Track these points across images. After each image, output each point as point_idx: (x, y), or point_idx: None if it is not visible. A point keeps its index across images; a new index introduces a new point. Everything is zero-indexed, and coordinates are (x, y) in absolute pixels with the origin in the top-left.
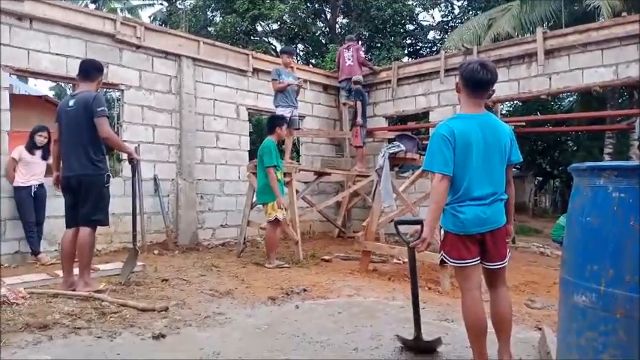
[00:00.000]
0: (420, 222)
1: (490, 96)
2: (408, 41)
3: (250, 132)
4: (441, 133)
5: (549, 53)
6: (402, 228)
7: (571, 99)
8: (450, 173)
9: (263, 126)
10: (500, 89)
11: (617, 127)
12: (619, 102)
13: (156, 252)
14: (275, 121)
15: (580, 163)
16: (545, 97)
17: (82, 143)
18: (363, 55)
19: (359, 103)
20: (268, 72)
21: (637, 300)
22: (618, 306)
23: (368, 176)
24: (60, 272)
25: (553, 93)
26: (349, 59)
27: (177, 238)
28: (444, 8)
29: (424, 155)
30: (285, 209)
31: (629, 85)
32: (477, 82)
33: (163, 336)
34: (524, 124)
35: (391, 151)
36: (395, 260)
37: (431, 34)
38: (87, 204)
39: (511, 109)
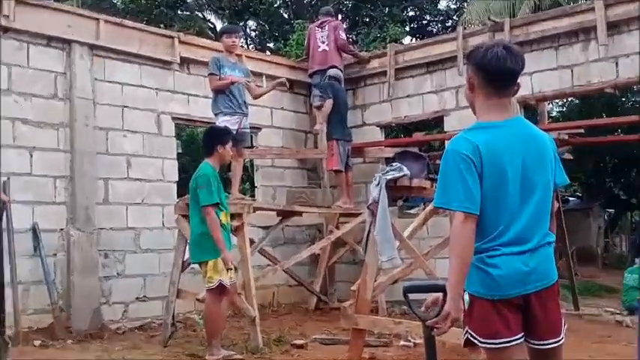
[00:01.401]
0: (440, 288)
1: (515, 93)
2: (410, 13)
3: (179, 153)
4: (459, 152)
5: (614, 27)
6: (413, 296)
7: None
8: (476, 211)
9: (199, 144)
10: (545, 81)
11: None
12: None
13: (37, 343)
14: (215, 136)
15: None
16: (612, 90)
17: None
18: (344, 35)
19: (328, 102)
20: (204, 63)
21: None
22: None
23: (357, 215)
24: None
25: (622, 85)
26: (323, 42)
27: (69, 319)
28: None
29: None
30: (234, 269)
31: None
32: (502, 75)
33: None
34: (582, 130)
35: (389, 178)
36: (402, 342)
37: (443, 3)
38: None
39: (564, 109)
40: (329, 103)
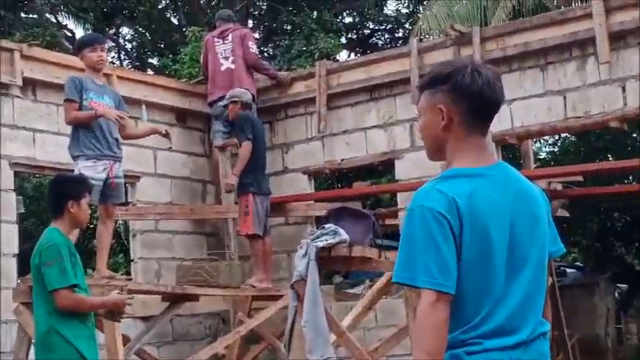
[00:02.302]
0: None
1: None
2: (348, 20)
3: (22, 213)
4: (430, 209)
5: (619, 40)
6: None
7: None
8: (452, 290)
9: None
10: (530, 111)
11: None
12: None
13: None
14: (63, 189)
15: None
16: (618, 124)
17: None
18: (254, 48)
19: (246, 145)
20: (59, 86)
21: None
22: None
23: (277, 298)
24: None
25: (631, 116)
26: (227, 58)
27: None
28: None
29: (392, 252)
30: None
31: None
32: (493, 107)
33: None
34: (581, 178)
35: (321, 245)
36: None
37: (391, 6)
38: None
39: (555, 149)
40: (247, 146)
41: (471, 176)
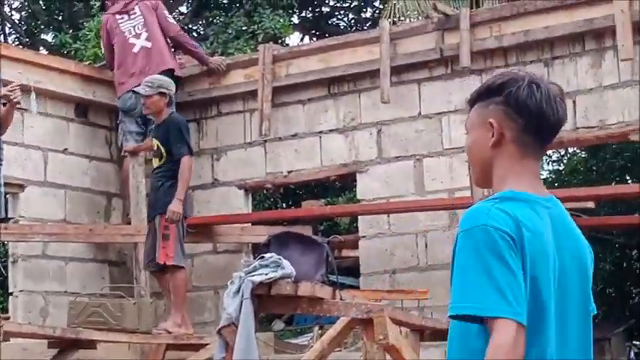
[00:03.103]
0: None
1: None
2: None
3: None
4: (495, 228)
5: None
6: None
7: None
8: (524, 320)
9: None
10: None
11: None
12: None
13: None
14: None
15: None
16: None
17: None
18: (172, 22)
19: (187, 159)
20: None
21: None
22: None
23: (199, 347)
24: None
25: None
26: (138, 36)
27: None
28: None
29: (350, 291)
30: None
31: None
32: (555, 126)
33: None
34: (592, 205)
35: (259, 280)
36: None
37: None
38: None
39: (560, 167)
40: (190, 161)
41: (532, 202)
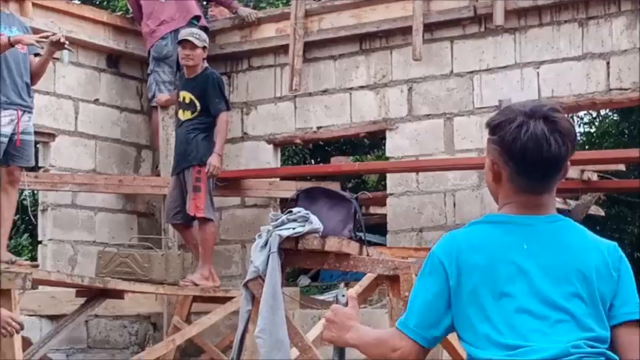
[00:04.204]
0: None
1: (562, 179)
2: None
3: None
4: (432, 253)
5: None
6: None
7: None
8: (416, 337)
9: None
10: (562, 79)
11: None
12: None
13: None
14: None
15: None
16: None
17: None
18: None
19: (225, 115)
20: None
21: None
22: None
23: (225, 300)
24: None
25: None
26: None
27: None
28: None
29: (376, 248)
30: None
31: None
32: (542, 165)
33: None
34: (623, 167)
35: (286, 235)
36: None
37: None
38: None
39: (592, 129)
40: (227, 116)
41: (505, 223)
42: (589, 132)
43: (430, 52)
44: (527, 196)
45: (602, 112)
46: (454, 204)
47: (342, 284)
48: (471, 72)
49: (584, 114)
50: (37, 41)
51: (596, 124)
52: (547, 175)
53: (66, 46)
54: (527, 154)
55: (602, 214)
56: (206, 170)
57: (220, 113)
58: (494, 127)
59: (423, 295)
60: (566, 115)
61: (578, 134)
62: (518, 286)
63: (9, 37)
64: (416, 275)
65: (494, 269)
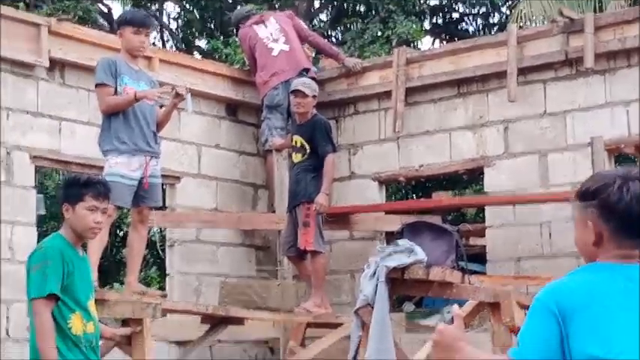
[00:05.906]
0: None
1: None
2: (432, 1)
3: (43, 215)
4: (538, 299)
5: None
6: None
7: None
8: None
9: None
10: None
11: None
12: None
13: None
14: (63, 191)
15: None
16: None
17: None
18: (307, 28)
19: (333, 157)
20: (90, 69)
21: None
22: None
23: (337, 326)
24: None
25: None
26: (277, 40)
27: None
28: None
29: (477, 277)
30: None
31: None
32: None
33: None
34: None
35: (393, 265)
36: None
37: None
38: None
39: None
40: (334, 158)
41: (609, 270)
42: None
43: (524, 94)
44: (627, 251)
45: None
46: (550, 234)
47: (447, 310)
48: (564, 111)
49: None
50: (159, 96)
51: None
52: None
53: (188, 95)
54: (633, 212)
55: None
56: (314, 208)
57: (327, 155)
58: (592, 193)
59: (536, 333)
60: None
61: None
62: (625, 329)
63: (135, 93)
64: (516, 302)
65: (600, 313)
